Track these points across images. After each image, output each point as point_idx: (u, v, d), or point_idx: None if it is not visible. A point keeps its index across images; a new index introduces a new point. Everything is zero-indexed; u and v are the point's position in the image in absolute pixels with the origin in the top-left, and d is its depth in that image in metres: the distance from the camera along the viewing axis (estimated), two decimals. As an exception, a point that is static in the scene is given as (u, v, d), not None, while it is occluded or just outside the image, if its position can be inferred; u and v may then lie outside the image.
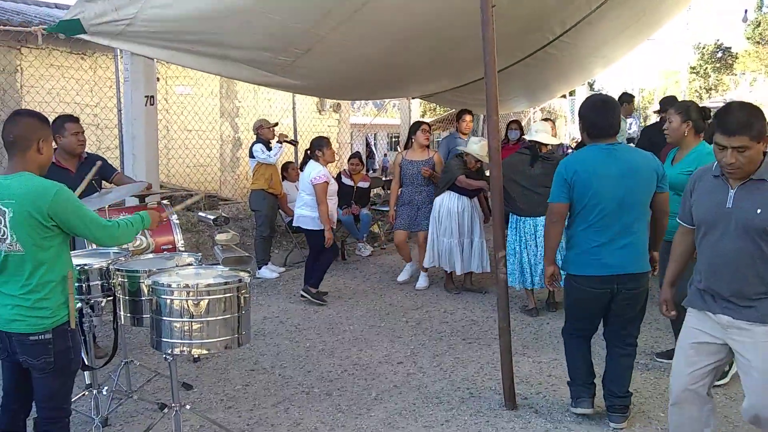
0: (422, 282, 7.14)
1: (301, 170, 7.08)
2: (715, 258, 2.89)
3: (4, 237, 2.80)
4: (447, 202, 6.71)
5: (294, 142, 7.94)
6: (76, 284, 3.50)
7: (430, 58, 7.28)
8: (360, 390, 4.44)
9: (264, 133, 7.68)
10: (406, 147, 7.41)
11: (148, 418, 4.00)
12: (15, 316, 2.84)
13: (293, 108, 10.58)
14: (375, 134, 25.57)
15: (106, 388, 3.92)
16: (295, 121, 10.55)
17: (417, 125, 7.33)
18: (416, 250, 7.45)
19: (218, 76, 9.36)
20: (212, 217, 3.84)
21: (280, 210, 8.14)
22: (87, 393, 3.86)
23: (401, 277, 7.42)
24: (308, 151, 6.79)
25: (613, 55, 9.81)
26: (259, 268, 7.65)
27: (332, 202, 6.69)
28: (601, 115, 3.68)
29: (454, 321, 5.97)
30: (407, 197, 7.16)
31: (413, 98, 11.12)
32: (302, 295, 6.60)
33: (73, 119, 4.89)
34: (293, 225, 7.09)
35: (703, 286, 2.94)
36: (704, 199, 2.95)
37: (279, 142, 7.62)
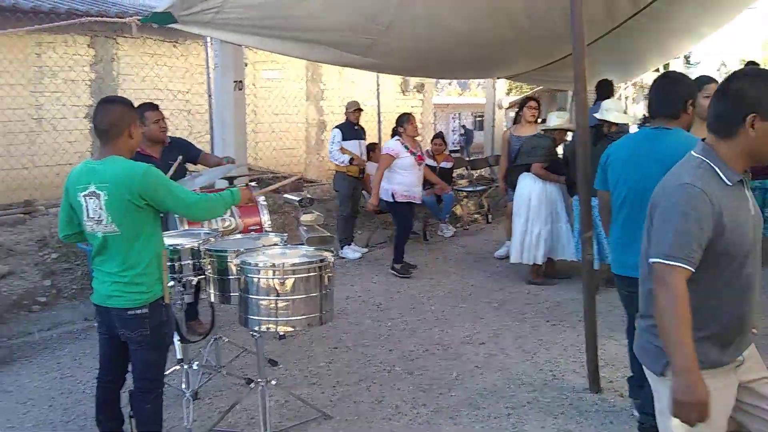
0: (502, 251, 7.35)
1: None
2: (748, 291, 2.22)
3: (101, 219, 2.96)
4: (531, 187, 6.48)
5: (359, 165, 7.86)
6: (169, 263, 3.67)
7: (515, 36, 7.12)
8: (441, 370, 4.47)
9: (349, 115, 7.78)
10: (514, 122, 7.56)
11: (235, 392, 4.16)
12: (113, 292, 3.02)
13: (377, 89, 10.63)
14: (459, 114, 25.36)
15: (196, 363, 4.10)
16: (379, 102, 10.61)
17: (525, 101, 7.52)
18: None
19: (304, 59, 9.49)
20: (297, 199, 3.93)
21: (363, 191, 8.22)
22: (178, 367, 4.04)
23: (498, 253, 7.51)
24: (394, 129, 7.07)
25: (713, 21, 9.30)
26: (342, 248, 7.78)
27: (406, 175, 6.88)
28: (656, 93, 3.29)
29: (537, 302, 5.90)
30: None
31: (498, 78, 10.94)
32: (392, 272, 6.91)
33: (153, 107, 4.98)
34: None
35: (727, 332, 2.21)
36: (740, 219, 2.14)
37: (350, 160, 7.66)
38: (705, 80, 4.13)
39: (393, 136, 7.08)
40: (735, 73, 2.23)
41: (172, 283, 3.76)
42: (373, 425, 3.71)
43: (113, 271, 3.03)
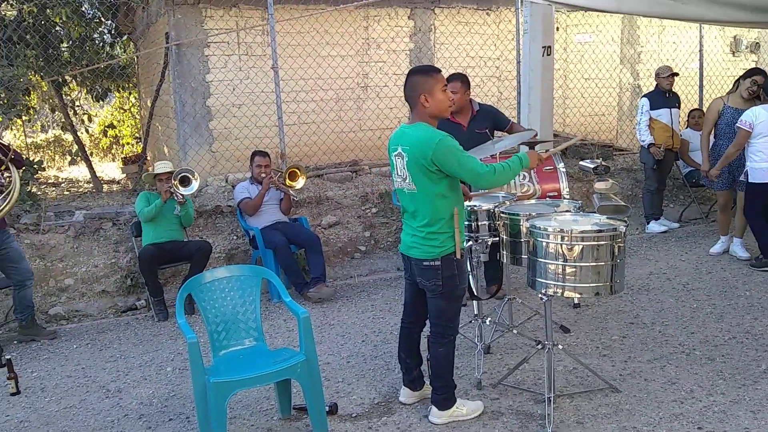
0: (718, 248, 6.39)
1: None
2: None
3: (405, 178, 3.31)
4: None
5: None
6: (467, 223, 3.93)
7: None
8: (748, 360, 4.08)
9: (660, 81, 7.19)
10: (730, 92, 6.38)
11: (524, 352, 4.30)
12: (413, 243, 3.38)
13: (700, 50, 9.72)
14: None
15: (489, 319, 4.33)
16: (701, 65, 9.69)
17: (753, 71, 6.23)
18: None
19: (617, 13, 9.01)
20: (592, 166, 3.86)
21: (677, 161, 7.68)
22: (473, 322, 4.32)
23: (714, 249, 6.46)
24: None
25: None
26: (648, 223, 7.39)
27: None
28: None
29: None
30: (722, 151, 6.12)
31: None
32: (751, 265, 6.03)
33: (453, 77, 5.16)
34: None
35: None
36: None
37: (649, 146, 7.08)
38: None
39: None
40: None
41: (470, 242, 4.02)
42: (662, 406, 3.57)
43: (413, 225, 3.37)
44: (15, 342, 5.26)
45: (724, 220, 6.40)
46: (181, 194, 5.73)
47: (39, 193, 8.18)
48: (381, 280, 6.39)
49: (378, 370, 4.27)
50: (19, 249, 5.35)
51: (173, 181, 5.73)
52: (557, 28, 9.23)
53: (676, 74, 7.19)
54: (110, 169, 12.89)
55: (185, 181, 5.80)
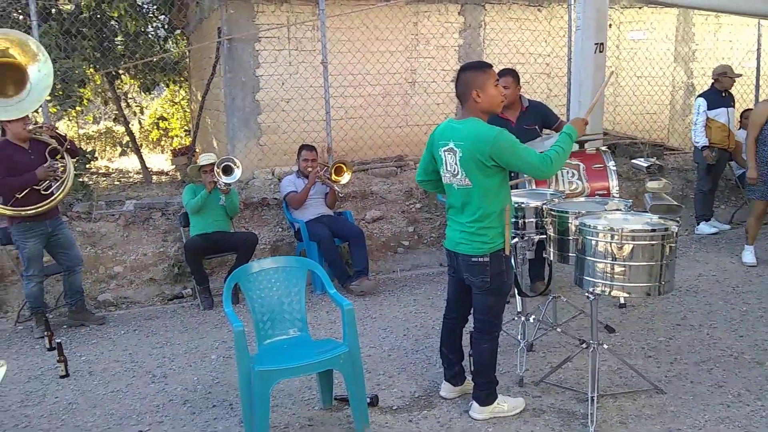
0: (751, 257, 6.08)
1: None
2: None
3: (456, 173, 3.29)
4: None
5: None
6: (513, 220, 3.90)
7: None
8: (801, 366, 3.97)
9: (725, 81, 6.97)
10: None
11: (568, 350, 4.26)
12: (461, 239, 3.36)
13: (758, 49, 9.42)
14: None
15: (533, 317, 4.29)
16: (758, 65, 9.41)
17: None
18: None
19: (674, 6, 8.79)
20: (646, 165, 3.80)
21: (730, 162, 7.48)
22: (516, 319, 4.28)
23: (748, 259, 6.15)
24: None
25: None
26: (698, 224, 7.23)
27: None
28: None
29: None
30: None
31: None
32: None
33: (504, 73, 5.12)
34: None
35: None
36: None
37: (703, 148, 6.86)
38: None
39: None
40: None
41: (516, 239, 3.99)
42: (708, 409, 3.50)
43: (462, 221, 3.35)
44: (65, 326, 5.42)
45: (756, 229, 6.12)
46: (224, 182, 5.81)
47: (91, 182, 8.40)
48: (423, 275, 6.39)
49: (419, 364, 4.28)
50: (70, 236, 5.50)
51: (216, 169, 5.82)
52: (610, 25, 9.06)
53: (740, 75, 7.01)
54: (159, 161, 13.15)
55: (228, 170, 5.88)
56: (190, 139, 10.58)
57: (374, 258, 6.68)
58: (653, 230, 3.20)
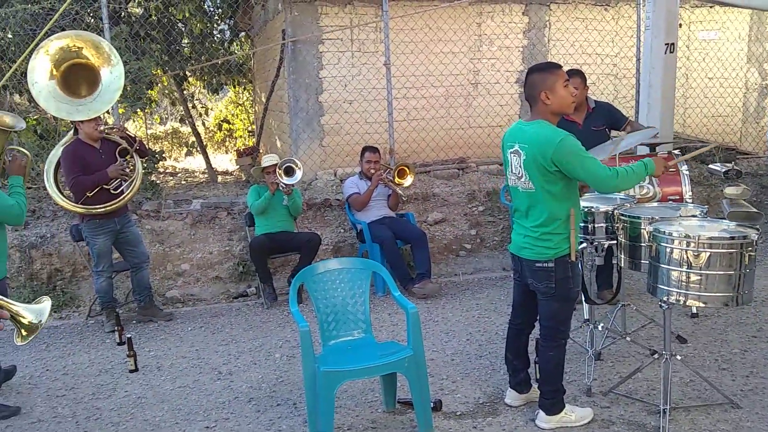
0: None
1: None
2: None
3: (521, 176, 3.24)
4: None
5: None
6: (582, 224, 3.81)
7: None
8: None
9: None
10: None
11: (638, 360, 4.14)
12: (525, 244, 3.30)
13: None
14: None
15: (601, 325, 4.18)
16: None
17: None
18: None
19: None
20: (723, 170, 3.65)
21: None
22: (583, 327, 4.18)
23: None
24: None
25: None
26: (777, 231, 6.94)
27: None
28: None
29: None
30: None
31: None
32: None
33: (571, 73, 4.96)
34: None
35: None
36: None
37: None
38: None
39: None
40: None
41: (584, 244, 3.90)
42: (789, 426, 3.35)
43: (527, 225, 3.29)
44: (134, 321, 5.57)
45: None
46: (285, 183, 5.86)
47: (159, 182, 8.62)
48: (486, 279, 6.31)
49: (483, 369, 4.23)
50: (138, 233, 5.65)
51: (278, 170, 5.88)
52: (680, 25, 8.79)
53: None
54: (223, 161, 13.40)
55: (289, 172, 5.94)
56: (254, 139, 10.73)
57: (436, 261, 6.65)
58: (732, 238, 3.08)
